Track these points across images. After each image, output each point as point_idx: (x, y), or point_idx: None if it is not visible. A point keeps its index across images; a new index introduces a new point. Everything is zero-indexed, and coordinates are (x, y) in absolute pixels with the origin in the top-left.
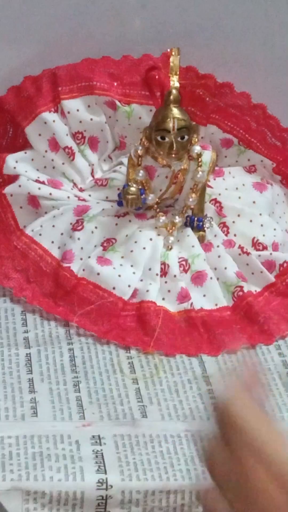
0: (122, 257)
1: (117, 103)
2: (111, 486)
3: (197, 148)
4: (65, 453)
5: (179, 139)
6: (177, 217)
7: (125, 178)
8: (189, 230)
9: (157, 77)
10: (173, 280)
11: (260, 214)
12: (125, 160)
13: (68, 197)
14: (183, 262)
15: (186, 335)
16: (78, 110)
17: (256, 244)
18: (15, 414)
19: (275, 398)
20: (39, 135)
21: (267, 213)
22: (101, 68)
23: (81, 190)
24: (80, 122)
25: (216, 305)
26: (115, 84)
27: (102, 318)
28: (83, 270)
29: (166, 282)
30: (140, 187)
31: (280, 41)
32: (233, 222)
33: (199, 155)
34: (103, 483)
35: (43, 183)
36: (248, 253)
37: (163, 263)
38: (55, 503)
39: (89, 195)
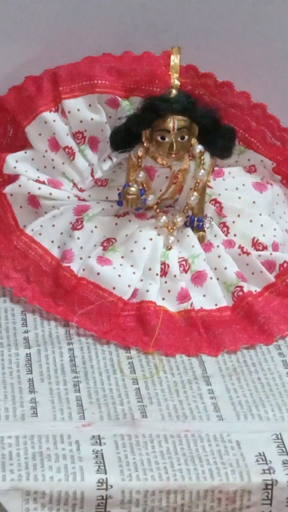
0: (122, 257)
1: (119, 99)
2: (111, 486)
3: (199, 147)
4: (65, 453)
5: (179, 139)
6: (178, 216)
7: (125, 178)
8: (189, 230)
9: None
10: (173, 280)
11: (260, 214)
12: (125, 160)
13: (68, 197)
14: (183, 262)
15: (186, 335)
16: (78, 110)
17: (256, 244)
18: (15, 414)
19: (275, 398)
20: (39, 134)
21: (267, 213)
22: (102, 65)
23: (81, 190)
24: (81, 122)
25: (216, 305)
26: (116, 78)
27: (102, 318)
28: (83, 270)
29: (166, 282)
30: (140, 187)
31: (280, 41)
32: (233, 222)
33: (201, 153)
34: (103, 483)
35: (43, 183)
36: (248, 253)
37: (163, 263)
38: (55, 503)
39: (89, 195)
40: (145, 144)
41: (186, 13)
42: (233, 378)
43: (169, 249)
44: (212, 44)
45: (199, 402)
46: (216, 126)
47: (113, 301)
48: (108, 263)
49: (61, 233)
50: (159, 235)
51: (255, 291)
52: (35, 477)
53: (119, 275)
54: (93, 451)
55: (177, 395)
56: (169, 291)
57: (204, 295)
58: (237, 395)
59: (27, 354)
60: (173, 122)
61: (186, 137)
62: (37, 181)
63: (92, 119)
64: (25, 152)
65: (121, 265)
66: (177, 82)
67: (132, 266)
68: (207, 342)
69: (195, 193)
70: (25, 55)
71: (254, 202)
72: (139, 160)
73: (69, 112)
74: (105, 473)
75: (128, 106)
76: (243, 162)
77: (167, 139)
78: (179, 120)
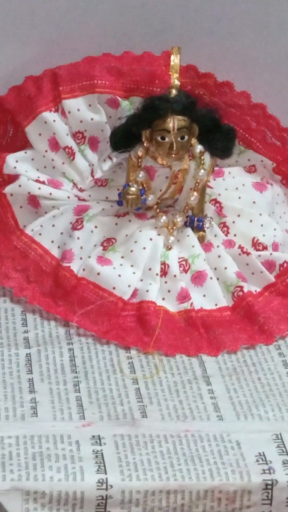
0: (122, 257)
1: (119, 99)
2: (111, 486)
3: (199, 147)
4: (65, 453)
5: (179, 139)
6: (178, 216)
7: (125, 178)
8: (189, 230)
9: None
10: (173, 280)
11: (260, 214)
12: (125, 160)
13: (68, 197)
14: (183, 262)
15: (186, 335)
16: (78, 110)
17: (256, 244)
18: (15, 414)
19: (275, 398)
20: (39, 134)
21: (267, 213)
22: (102, 65)
23: (81, 190)
24: (81, 121)
25: (216, 305)
26: (116, 78)
27: (102, 318)
28: (83, 270)
29: (166, 282)
30: (140, 187)
31: (280, 40)
32: (233, 222)
33: (201, 153)
34: (103, 483)
35: (43, 183)
36: (248, 253)
37: (163, 263)
38: (55, 503)
39: (89, 195)
40: (145, 144)
41: (186, 13)
42: (233, 378)
43: (169, 249)
44: (212, 44)
45: (199, 402)
46: (216, 126)
47: (113, 301)
48: (108, 263)
49: (61, 233)
50: (159, 235)
51: (255, 291)
52: (35, 477)
53: (119, 275)
54: (93, 451)
55: (177, 395)
56: (169, 291)
57: (204, 295)
58: (237, 395)
59: (27, 354)
60: (173, 122)
61: (186, 137)
62: (37, 181)
63: (92, 119)
64: (25, 152)
65: (121, 265)
66: (177, 82)
67: (132, 266)
68: (207, 342)
69: (195, 193)
70: (25, 55)
71: (254, 202)
72: (139, 160)
73: (69, 112)
74: (105, 473)
75: (128, 106)
76: (243, 162)
77: (167, 139)
78: (179, 120)
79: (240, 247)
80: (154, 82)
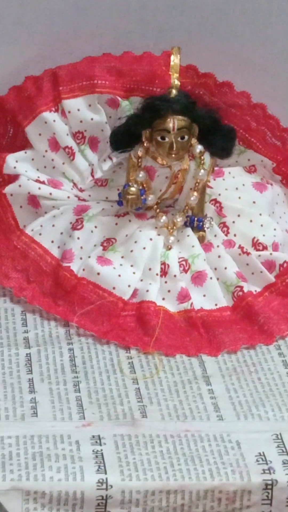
0: (122, 257)
1: (119, 99)
2: (111, 486)
3: (199, 147)
4: (65, 453)
5: (179, 139)
6: (178, 216)
7: (125, 178)
8: (189, 230)
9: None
10: (173, 280)
11: (260, 214)
12: (125, 160)
13: (68, 197)
14: (183, 262)
15: (186, 335)
16: (78, 110)
17: (256, 244)
18: (15, 414)
19: (275, 398)
20: (39, 134)
21: (267, 213)
22: (102, 65)
23: (81, 190)
24: (81, 121)
25: (216, 305)
26: (116, 78)
27: (102, 318)
28: (83, 269)
29: (166, 282)
30: (140, 187)
31: (280, 41)
32: (233, 222)
33: (202, 153)
34: (103, 483)
35: (43, 183)
36: (248, 253)
37: (163, 263)
38: (55, 503)
39: (89, 195)
40: (145, 144)
41: (186, 13)
42: (233, 378)
43: (169, 249)
44: (212, 44)
45: (199, 402)
46: (216, 126)
47: (113, 301)
48: (108, 263)
49: (61, 233)
50: (159, 235)
51: (255, 291)
52: (35, 477)
53: (119, 275)
54: (93, 451)
55: (177, 395)
56: (169, 291)
57: (204, 295)
58: (237, 395)
59: (27, 354)
60: (173, 122)
61: (186, 137)
62: (37, 181)
63: (92, 119)
64: (25, 152)
65: (121, 265)
66: (177, 82)
67: (132, 266)
68: (207, 342)
69: (195, 193)
70: (25, 55)
71: (254, 202)
72: (139, 160)
73: (69, 112)
74: (105, 473)
75: (128, 106)
76: (243, 162)
77: (167, 139)
78: (179, 120)
79: (240, 247)
80: (154, 82)
